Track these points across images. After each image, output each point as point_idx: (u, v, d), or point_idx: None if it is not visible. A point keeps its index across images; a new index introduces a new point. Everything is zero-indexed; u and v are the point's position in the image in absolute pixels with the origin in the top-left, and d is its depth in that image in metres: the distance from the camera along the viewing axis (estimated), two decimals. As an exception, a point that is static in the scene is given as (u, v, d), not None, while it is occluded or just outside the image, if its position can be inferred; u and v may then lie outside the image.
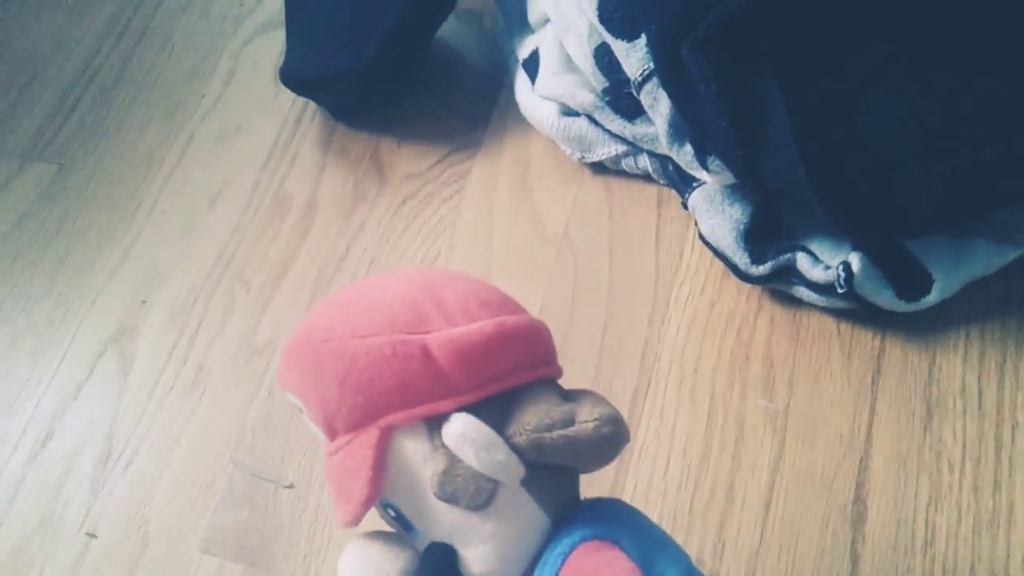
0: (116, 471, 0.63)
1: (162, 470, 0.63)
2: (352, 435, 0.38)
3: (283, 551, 0.59)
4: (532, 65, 0.71)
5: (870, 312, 0.60)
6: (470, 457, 0.37)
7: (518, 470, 0.38)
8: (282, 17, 0.80)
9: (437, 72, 0.78)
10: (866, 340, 0.61)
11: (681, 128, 0.61)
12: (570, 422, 0.37)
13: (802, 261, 0.60)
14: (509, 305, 0.41)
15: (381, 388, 0.38)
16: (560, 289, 0.66)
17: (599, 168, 0.71)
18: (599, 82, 0.65)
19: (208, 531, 0.60)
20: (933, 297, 0.59)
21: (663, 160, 0.67)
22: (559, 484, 0.40)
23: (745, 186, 0.60)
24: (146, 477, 0.63)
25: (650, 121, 0.64)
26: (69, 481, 0.63)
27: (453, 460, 0.38)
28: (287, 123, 0.79)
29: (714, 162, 0.59)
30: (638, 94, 0.62)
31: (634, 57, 0.61)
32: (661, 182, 0.69)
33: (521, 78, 0.73)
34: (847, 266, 0.58)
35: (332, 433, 0.40)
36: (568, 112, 0.69)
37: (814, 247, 0.60)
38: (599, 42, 0.64)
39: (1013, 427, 0.57)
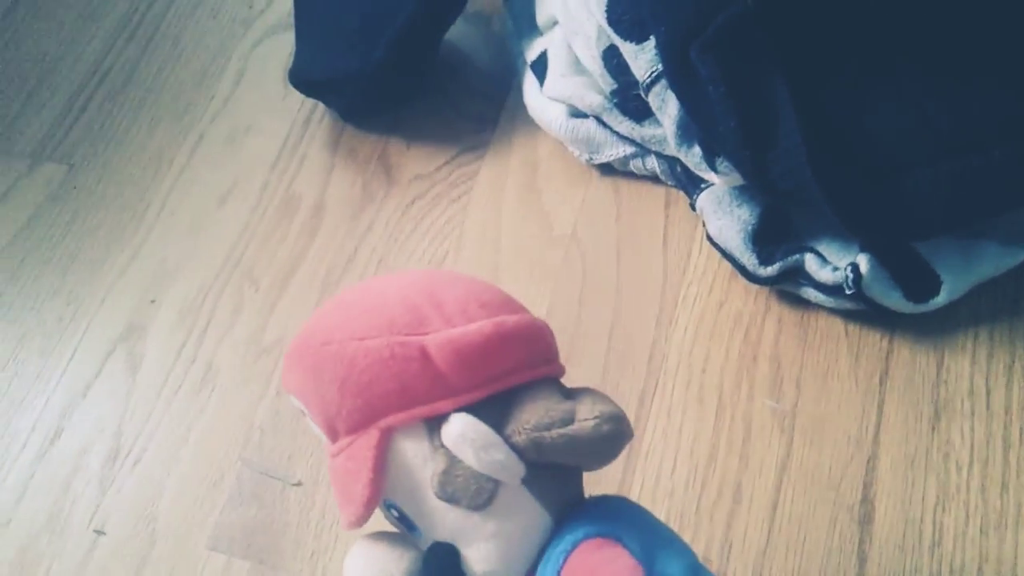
0: (124, 469, 0.64)
1: (170, 468, 0.63)
2: (353, 437, 0.39)
3: (291, 549, 0.59)
4: (540, 67, 0.72)
5: (878, 313, 0.61)
6: (469, 457, 0.37)
7: (518, 469, 0.38)
8: (291, 19, 0.80)
9: (446, 74, 0.79)
10: (874, 341, 0.61)
11: (689, 129, 0.61)
12: (570, 420, 0.37)
13: (810, 262, 0.60)
14: (509, 305, 0.41)
15: (380, 390, 0.38)
16: (568, 290, 0.66)
17: (607, 169, 0.71)
18: (607, 84, 0.65)
19: (216, 528, 0.60)
20: (941, 298, 0.59)
21: (671, 161, 0.67)
22: (561, 483, 0.40)
23: (753, 187, 0.60)
24: (154, 475, 0.63)
25: (658, 123, 0.64)
26: (77, 479, 0.64)
27: (453, 460, 0.38)
28: (296, 124, 0.79)
29: (722, 163, 0.59)
30: (646, 96, 0.62)
31: (642, 59, 0.61)
32: (669, 183, 0.69)
33: (529, 80, 0.73)
34: (855, 267, 0.58)
35: (334, 435, 0.40)
36: (576, 114, 0.69)
37: (822, 248, 0.61)
38: (608, 44, 0.64)
39: (1021, 428, 0.57)
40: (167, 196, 0.77)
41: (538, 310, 0.65)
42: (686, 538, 0.46)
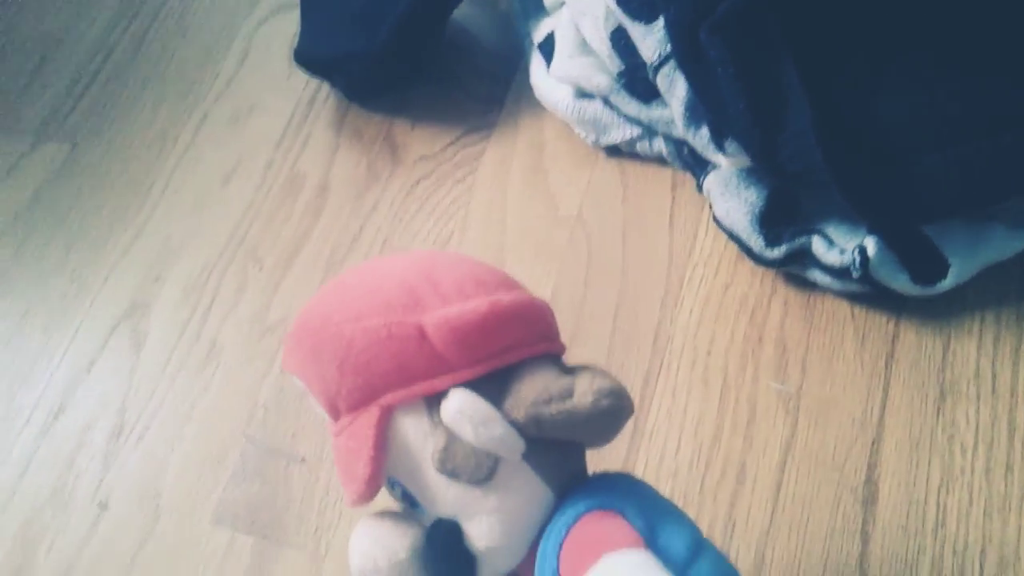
0: (128, 444, 0.64)
1: (174, 444, 0.63)
2: (354, 416, 0.39)
3: (294, 524, 0.59)
4: (547, 48, 0.71)
5: (884, 296, 0.60)
6: (468, 433, 0.37)
7: (517, 445, 0.38)
8: (297, -2, 0.80)
9: (452, 54, 0.78)
10: (880, 324, 0.61)
11: (697, 111, 0.61)
12: (569, 395, 0.37)
13: (817, 245, 0.60)
14: (507, 284, 0.41)
15: (379, 370, 0.38)
16: (573, 271, 0.66)
17: (613, 151, 0.71)
18: (615, 65, 0.65)
19: (220, 504, 0.60)
20: (948, 282, 0.59)
21: (678, 143, 0.67)
22: (563, 458, 0.40)
23: (762, 169, 0.60)
24: (158, 451, 0.63)
25: (665, 104, 0.64)
26: (81, 454, 0.64)
27: (452, 437, 0.38)
28: (301, 104, 0.79)
29: (731, 145, 0.59)
30: (654, 77, 0.62)
31: (651, 40, 0.61)
32: (676, 165, 0.69)
33: (536, 61, 0.73)
34: (863, 250, 0.58)
35: (335, 414, 0.40)
36: (583, 95, 0.69)
37: (830, 231, 0.60)
38: (616, 25, 0.64)
39: (1026, 412, 0.57)
40: (171, 175, 0.77)
41: (543, 291, 0.65)
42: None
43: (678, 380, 0.61)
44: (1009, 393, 0.58)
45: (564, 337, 0.43)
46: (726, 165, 0.62)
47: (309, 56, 0.76)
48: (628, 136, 0.69)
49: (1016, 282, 0.61)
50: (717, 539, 0.55)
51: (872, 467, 0.56)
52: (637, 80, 0.65)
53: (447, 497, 0.39)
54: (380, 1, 0.72)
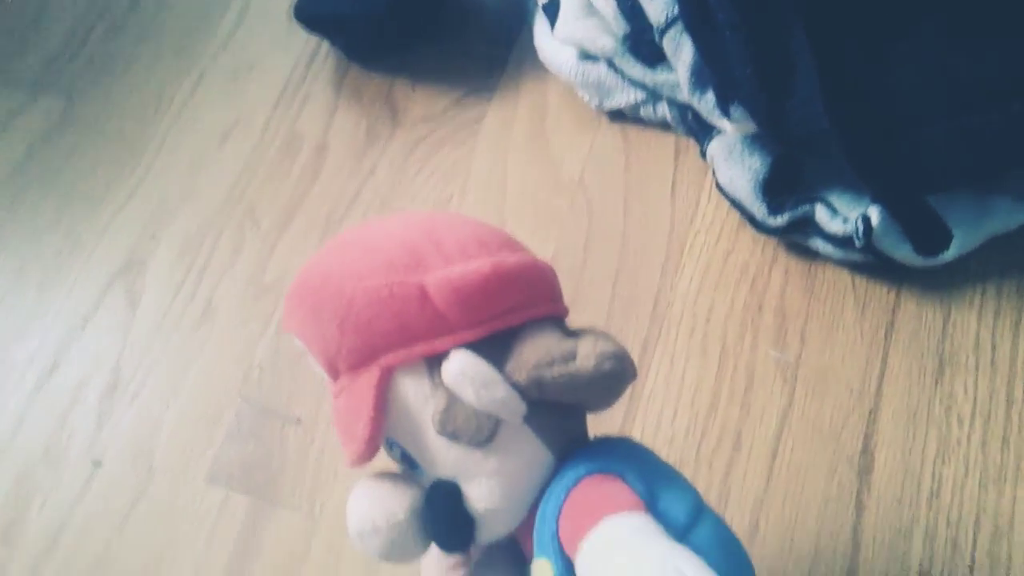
0: (122, 403, 0.63)
1: (169, 403, 0.63)
2: (354, 376, 0.38)
3: (289, 485, 0.59)
4: (552, 9, 0.70)
5: (886, 266, 0.60)
6: (469, 394, 0.37)
7: (518, 407, 0.37)
8: (298, -46, 0.79)
9: (454, 14, 0.77)
10: (881, 294, 0.61)
11: (703, 75, 0.60)
12: (571, 358, 0.37)
13: (820, 213, 0.59)
14: (510, 245, 0.41)
15: (380, 329, 0.37)
16: (574, 236, 0.66)
17: (616, 116, 0.70)
18: (620, 27, 0.64)
19: (214, 464, 0.60)
20: (951, 253, 0.59)
21: (682, 108, 0.66)
22: (564, 422, 0.40)
23: (767, 135, 0.59)
24: (153, 409, 0.63)
25: (671, 68, 0.63)
26: (75, 412, 0.63)
27: (453, 398, 0.37)
28: (300, 62, 0.78)
29: (736, 110, 0.58)
30: (660, 40, 0.61)
31: (658, 2, 0.60)
32: (679, 131, 0.68)
33: (540, 22, 0.72)
34: (866, 219, 0.58)
35: (335, 375, 0.40)
36: (587, 57, 0.68)
37: (833, 199, 0.60)
38: (622, -14, 0.63)
39: (1025, 385, 0.57)
40: (168, 132, 0.76)
41: (544, 255, 0.63)
42: (686, 482, 0.46)
43: (676, 347, 0.61)
44: (1008, 366, 0.57)
45: (564, 300, 0.42)
46: (731, 131, 0.62)
47: (309, 13, 0.74)
48: (632, 100, 0.68)
49: (1019, 254, 0.61)
50: (712, 506, 0.54)
51: (869, 437, 0.56)
52: (642, 43, 0.64)
53: (447, 459, 0.39)
54: (382, -42, 0.71)
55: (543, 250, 0.65)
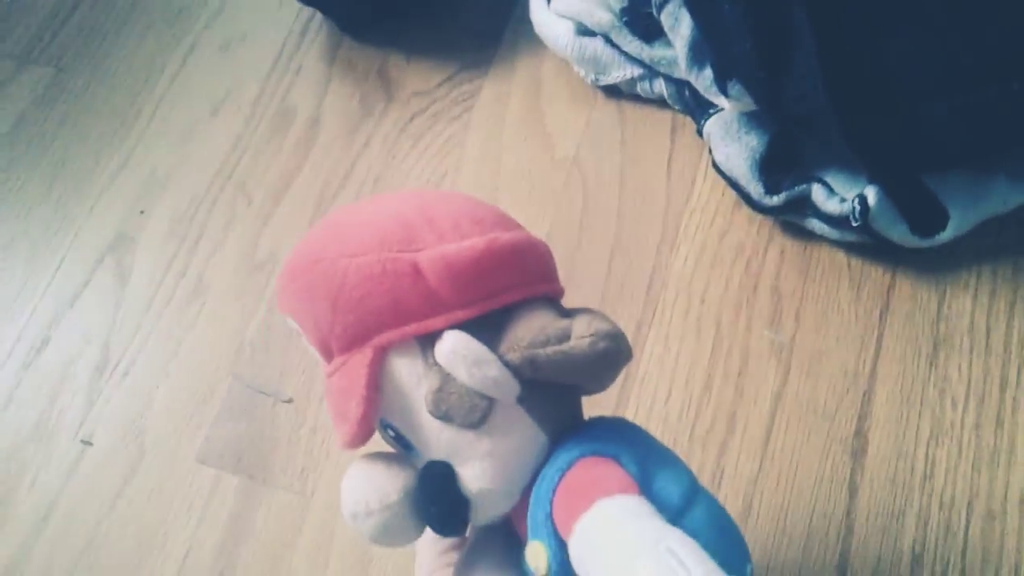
0: (113, 380, 0.63)
1: (159, 381, 0.63)
2: (347, 356, 0.38)
3: (280, 464, 0.58)
4: (548, -19, 0.69)
5: (882, 247, 0.60)
6: (462, 374, 0.36)
7: (512, 387, 0.37)
8: (290, -77, 0.77)
9: (449, -14, 0.76)
10: (876, 275, 0.60)
11: (701, 51, 0.59)
12: (566, 337, 0.36)
13: (817, 193, 0.59)
14: (505, 223, 0.40)
15: (372, 307, 0.37)
16: (568, 214, 0.65)
17: (613, 91, 0.69)
18: (618, 1, 0.63)
19: (205, 443, 0.60)
20: (947, 234, 0.58)
21: (679, 85, 0.65)
22: (558, 402, 0.40)
23: (765, 113, 0.58)
24: (143, 387, 0.62)
25: (668, 43, 0.62)
26: (64, 389, 0.63)
27: (447, 378, 0.37)
28: (292, 34, 0.76)
29: (734, 87, 0.58)
30: (658, 14, 0.60)
31: (656, -25, 0.59)
32: (676, 108, 0.67)
33: (536, -5, 0.71)
34: (863, 199, 0.57)
35: (328, 355, 0.39)
36: (584, 32, 0.67)
37: (830, 179, 0.59)
38: (619, -41, 0.62)
39: (1019, 367, 0.57)
40: (158, 104, 0.75)
41: (538, 233, 0.64)
42: (680, 464, 0.46)
43: (671, 328, 0.60)
44: (1003, 348, 0.57)
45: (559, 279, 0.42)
46: (728, 108, 0.61)
47: (302, -16, 0.73)
48: (628, 76, 0.67)
49: (1014, 236, 0.60)
50: (705, 487, 0.55)
51: (863, 418, 0.56)
52: (640, 17, 0.63)
53: (440, 440, 0.38)
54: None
55: (538, 227, 0.64)
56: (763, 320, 0.60)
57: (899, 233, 0.58)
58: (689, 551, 0.32)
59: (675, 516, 0.36)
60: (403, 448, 0.40)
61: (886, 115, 0.54)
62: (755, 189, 0.60)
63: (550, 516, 0.37)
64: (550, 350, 0.36)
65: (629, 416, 0.58)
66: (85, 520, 0.58)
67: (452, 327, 0.37)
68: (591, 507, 0.35)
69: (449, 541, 0.44)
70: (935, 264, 0.60)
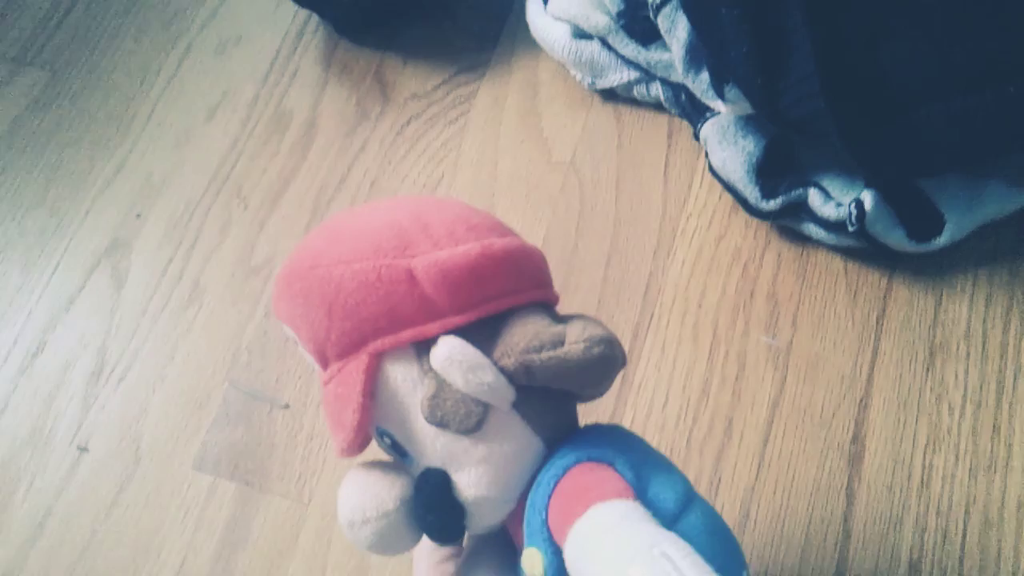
0: (109, 386, 0.63)
1: (155, 386, 0.62)
2: (343, 363, 0.38)
3: (277, 470, 0.58)
4: (545, -16, 0.69)
5: (879, 252, 0.60)
6: (457, 380, 0.36)
7: (507, 392, 0.37)
8: (285, -75, 0.77)
9: (445, -11, 0.76)
10: (873, 280, 0.60)
11: (698, 54, 0.59)
12: (560, 343, 0.36)
13: (814, 197, 0.59)
14: (499, 229, 0.40)
15: (368, 313, 0.37)
16: (565, 218, 0.65)
17: (609, 95, 0.69)
18: (615, 4, 0.63)
19: (202, 449, 0.60)
20: (944, 239, 0.58)
21: (676, 88, 0.65)
22: (553, 408, 0.40)
23: (762, 117, 0.58)
24: (139, 393, 0.62)
25: (665, 47, 0.62)
26: (60, 394, 0.63)
27: (442, 384, 0.37)
28: (288, 36, 0.76)
29: (731, 91, 0.58)
30: (655, 17, 0.60)
31: (653, -22, 0.59)
32: (673, 112, 0.67)
33: (533, -2, 0.71)
34: (859, 204, 0.57)
35: (324, 362, 0.39)
36: (580, 35, 0.67)
37: (826, 183, 0.59)
38: (616, -38, 0.62)
39: (1016, 373, 0.57)
40: (154, 107, 0.74)
41: (534, 237, 0.64)
42: (677, 472, 0.46)
43: (668, 333, 0.60)
44: (999, 354, 0.57)
45: (555, 285, 0.42)
46: (725, 112, 0.61)
47: (297, -14, 0.73)
48: (625, 79, 0.67)
49: (1010, 241, 0.60)
50: (703, 494, 0.54)
51: (859, 425, 0.56)
52: (637, 20, 0.63)
53: (436, 446, 0.38)
54: (371, -70, 0.69)
55: (534, 231, 0.64)
56: (760, 325, 0.60)
57: (895, 238, 0.58)
58: (684, 555, 0.32)
59: (670, 521, 0.36)
60: (399, 456, 0.40)
61: (882, 119, 0.54)
62: (752, 193, 0.60)
63: (546, 522, 0.37)
64: (544, 355, 0.36)
65: (627, 422, 0.58)
66: (81, 526, 0.58)
67: (447, 333, 0.37)
68: (586, 512, 0.35)
69: (446, 549, 0.44)
70: (931, 269, 0.60)
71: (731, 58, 0.55)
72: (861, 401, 0.57)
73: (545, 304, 0.40)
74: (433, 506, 0.39)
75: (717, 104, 0.60)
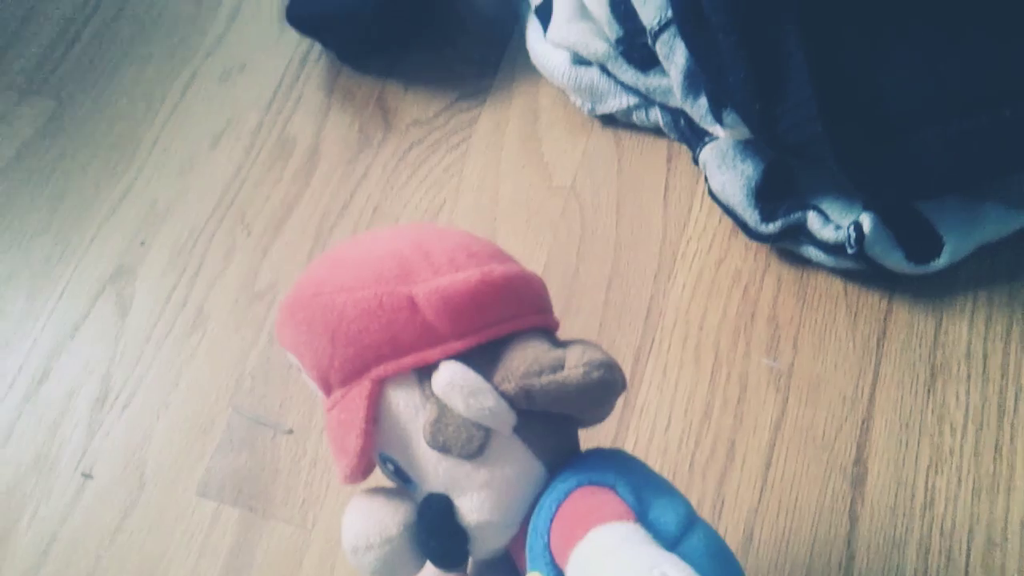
0: (113, 412, 0.63)
1: (160, 413, 0.63)
2: (346, 389, 0.38)
3: (281, 496, 0.59)
4: (545, 12, 0.70)
5: (878, 274, 0.60)
6: (459, 404, 0.37)
7: (508, 417, 0.37)
8: (288, -45, 0.78)
9: (447, 16, 0.77)
10: (873, 302, 0.61)
11: (696, 80, 0.59)
12: (559, 367, 0.37)
13: (812, 220, 0.59)
14: (499, 256, 0.41)
15: (370, 340, 0.37)
16: (566, 242, 0.65)
17: (609, 120, 0.70)
18: (613, 31, 0.64)
19: (206, 475, 0.60)
20: (943, 260, 0.59)
21: (675, 114, 0.66)
22: (555, 432, 0.40)
23: (760, 141, 0.59)
24: (143, 419, 0.63)
25: (664, 73, 0.63)
26: (65, 421, 0.63)
27: (443, 409, 0.37)
28: (292, 64, 0.77)
29: (729, 116, 0.58)
30: (654, 44, 0.60)
31: (651, 5, 0.59)
32: (672, 136, 0.68)
33: (533, 25, 0.72)
34: (858, 226, 0.57)
35: (327, 388, 0.40)
36: (580, 61, 0.68)
37: (825, 206, 0.60)
38: (615, -11, 0.63)
39: (1017, 393, 0.57)
40: (158, 135, 0.75)
41: (536, 262, 0.64)
42: (680, 495, 0.46)
43: (669, 356, 0.60)
44: (1000, 374, 0.57)
45: (556, 309, 0.42)
46: (723, 136, 0.61)
47: (301, 15, 0.74)
48: (624, 105, 0.67)
49: (1009, 262, 0.61)
50: (706, 517, 0.55)
51: (862, 447, 0.56)
52: (635, 47, 0.64)
53: (438, 472, 0.39)
54: (374, -40, 0.70)
55: (535, 256, 0.65)
56: (761, 347, 0.60)
57: (894, 260, 0.59)
58: (682, 574, 0.32)
59: (671, 544, 0.36)
60: (402, 482, 0.41)
61: (879, 143, 0.54)
62: (751, 217, 0.60)
63: (548, 546, 0.37)
64: (544, 379, 0.37)
65: (629, 445, 0.58)
66: (86, 552, 0.58)
67: (448, 358, 0.37)
68: (587, 535, 0.35)
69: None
70: (931, 291, 0.60)
71: (729, 84, 0.55)
72: (863, 423, 0.57)
73: (545, 330, 0.41)
74: (436, 531, 0.39)
75: (716, 129, 0.61)
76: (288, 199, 0.70)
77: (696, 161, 0.65)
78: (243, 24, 0.80)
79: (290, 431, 0.61)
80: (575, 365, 0.37)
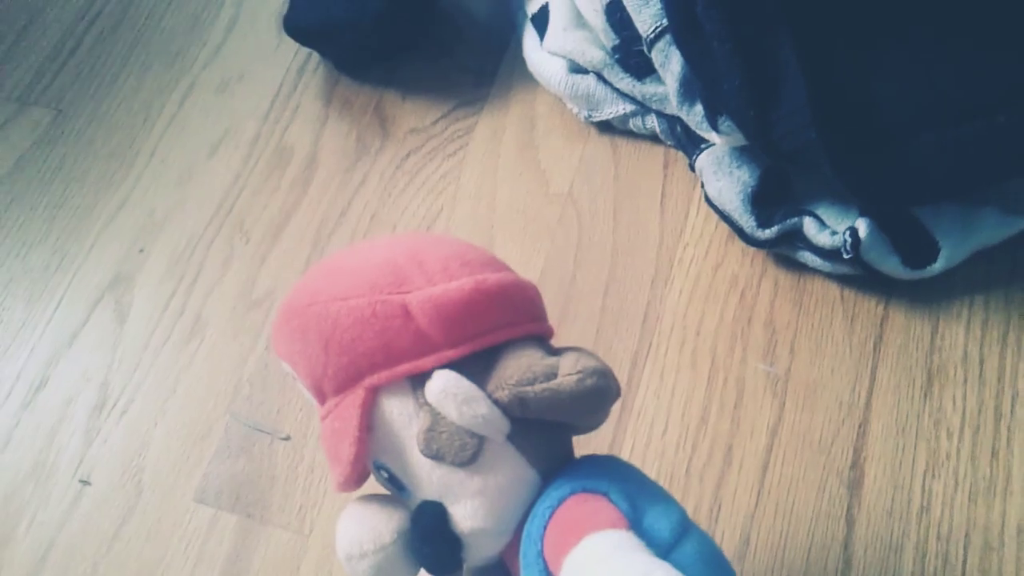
0: (111, 420, 0.63)
1: (157, 420, 0.63)
2: (340, 397, 0.39)
3: (278, 502, 0.59)
4: (541, 20, 0.70)
5: (874, 279, 0.60)
6: (452, 412, 0.37)
7: (502, 425, 0.37)
8: (286, -35, 0.78)
9: (444, 26, 0.77)
10: (869, 307, 0.61)
11: (692, 87, 0.60)
12: (553, 375, 0.37)
13: (809, 226, 0.59)
14: (492, 264, 0.41)
15: (364, 348, 0.38)
16: (563, 249, 0.66)
17: (605, 127, 0.70)
18: (609, 39, 0.64)
19: (203, 481, 0.60)
20: (939, 266, 0.59)
21: (671, 120, 0.66)
22: (548, 440, 0.40)
23: (755, 148, 0.59)
24: (141, 426, 0.63)
25: (659, 80, 0.63)
26: (63, 428, 0.63)
27: (437, 417, 0.37)
28: (289, 74, 0.77)
29: (724, 123, 0.58)
30: (649, 52, 0.61)
31: (647, 13, 0.60)
32: (668, 143, 0.68)
33: (529, 33, 0.72)
34: (854, 232, 0.58)
35: (321, 397, 0.40)
36: (576, 69, 0.68)
37: (821, 212, 0.60)
38: (611, -3, 0.63)
39: (1013, 397, 0.57)
40: (157, 144, 0.75)
41: (532, 269, 0.64)
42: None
43: (666, 361, 0.60)
44: (996, 378, 0.58)
45: (553, 315, 0.42)
46: (719, 143, 0.62)
47: (298, 25, 0.74)
48: (621, 112, 0.68)
49: (1005, 267, 0.61)
50: (703, 521, 0.55)
51: (858, 451, 0.56)
52: (631, 55, 0.64)
53: (432, 479, 0.39)
54: (371, -30, 0.70)
55: (533, 262, 0.65)
56: (758, 352, 0.60)
57: (890, 265, 0.59)
58: (674, 581, 0.32)
59: (665, 551, 0.36)
60: (396, 489, 0.41)
61: (874, 149, 0.55)
62: (747, 222, 0.60)
63: (541, 553, 0.37)
64: (538, 387, 0.37)
65: (626, 450, 0.58)
66: (83, 559, 0.58)
67: (442, 367, 0.37)
68: (580, 542, 0.35)
69: (445, 583, 0.44)
70: (927, 295, 0.61)
71: (724, 91, 0.56)
72: (860, 427, 0.57)
73: (539, 337, 0.41)
74: (430, 539, 0.39)
75: (711, 136, 0.61)
76: (286, 207, 0.71)
77: (692, 167, 0.65)
78: (241, 34, 0.80)
79: (287, 438, 0.61)
80: (569, 373, 0.37)
